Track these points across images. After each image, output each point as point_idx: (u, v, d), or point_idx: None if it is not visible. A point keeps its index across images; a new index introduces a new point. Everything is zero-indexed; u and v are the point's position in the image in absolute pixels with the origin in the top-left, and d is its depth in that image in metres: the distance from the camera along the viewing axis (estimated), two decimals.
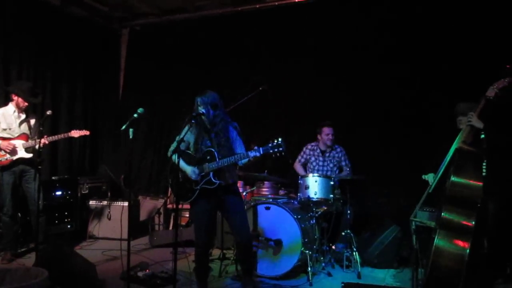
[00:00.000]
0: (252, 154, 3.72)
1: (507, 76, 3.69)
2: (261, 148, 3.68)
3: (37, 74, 6.55)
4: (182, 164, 3.89)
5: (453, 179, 3.55)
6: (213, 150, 3.86)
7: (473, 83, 4.54)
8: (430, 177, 4.30)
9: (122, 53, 8.03)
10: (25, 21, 6.30)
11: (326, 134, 5.45)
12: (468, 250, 3.38)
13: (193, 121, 3.79)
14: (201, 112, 3.88)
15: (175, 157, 3.74)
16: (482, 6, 5.28)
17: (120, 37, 8.03)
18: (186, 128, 3.86)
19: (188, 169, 3.90)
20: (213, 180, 3.84)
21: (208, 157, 3.88)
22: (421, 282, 4.04)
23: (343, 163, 5.55)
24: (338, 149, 5.56)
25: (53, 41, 6.76)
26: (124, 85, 8.00)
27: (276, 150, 3.64)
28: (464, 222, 3.48)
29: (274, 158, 3.70)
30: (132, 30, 7.93)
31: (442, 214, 3.58)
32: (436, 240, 3.47)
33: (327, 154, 5.54)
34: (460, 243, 3.46)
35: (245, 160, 3.85)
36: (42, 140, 4.90)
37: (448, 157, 4.02)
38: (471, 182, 3.52)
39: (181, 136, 3.79)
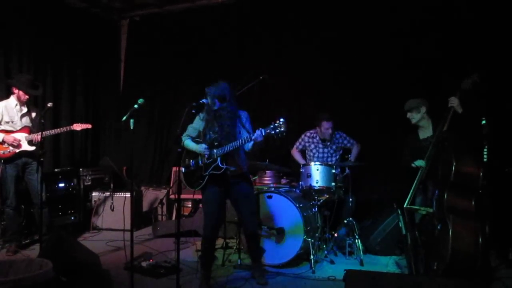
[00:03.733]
0: (254, 136, 3.71)
1: (476, 72, 4.23)
2: (263, 130, 3.67)
3: (37, 66, 6.53)
4: (192, 145, 4.04)
5: (455, 167, 3.73)
6: (219, 137, 3.93)
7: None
8: (421, 163, 4.41)
9: (122, 44, 7.98)
10: (25, 13, 6.27)
11: (326, 128, 5.45)
12: (480, 232, 3.57)
13: (193, 110, 3.81)
14: (201, 102, 3.91)
15: (185, 140, 3.93)
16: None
17: (119, 28, 7.97)
18: (197, 118, 4.04)
19: (197, 147, 4.00)
20: (220, 165, 3.89)
21: (215, 143, 3.95)
22: (423, 270, 4.07)
23: (348, 144, 5.54)
24: (338, 135, 5.55)
25: (53, 33, 6.73)
26: (125, 76, 7.96)
27: (278, 130, 3.60)
28: (469, 206, 3.68)
29: (277, 139, 3.67)
30: (131, 21, 7.87)
31: (447, 200, 3.73)
32: (451, 226, 3.60)
33: (328, 143, 5.54)
34: (473, 225, 3.62)
35: (250, 144, 3.88)
36: (37, 137, 4.95)
37: (432, 144, 4.27)
38: (473, 169, 3.74)
39: (180, 125, 3.83)
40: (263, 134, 3.66)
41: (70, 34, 6.99)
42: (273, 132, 3.62)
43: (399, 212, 4.31)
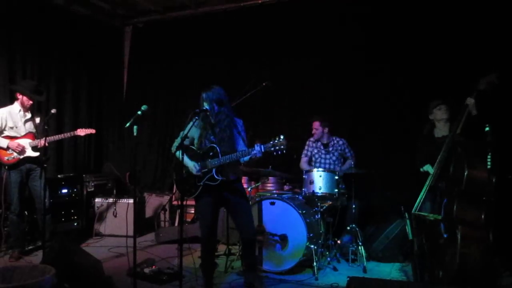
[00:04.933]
0: (253, 152, 3.67)
1: (494, 72, 4.09)
2: (262, 146, 3.64)
3: (41, 73, 6.57)
4: (185, 159, 3.92)
5: (467, 175, 3.61)
6: (215, 146, 3.86)
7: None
8: (429, 168, 4.35)
9: (125, 50, 8.03)
10: (29, 21, 6.32)
11: (315, 128, 5.47)
12: (488, 242, 3.50)
13: (196, 117, 3.79)
14: (204, 108, 3.88)
15: (178, 153, 3.74)
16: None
17: (123, 35, 8.03)
18: (190, 124, 3.83)
19: (190, 164, 3.92)
20: (216, 176, 3.84)
21: (210, 153, 3.89)
22: (427, 277, 4.04)
23: (348, 154, 5.53)
24: (340, 142, 5.54)
25: (57, 40, 6.78)
26: (128, 83, 8.01)
27: (277, 148, 3.59)
28: (478, 217, 3.58)
29: (276, 155, 3.63)
30: (135, 28, 7.93)
31: (456, 209, 3.64)
32: (459, 237, 3.53)
33: (330, 148, 5.53)
34: (481, 237, 3.53)
35: (247, 158, 3.83)
36: (41, 142, 4.96)
37: (444, 148, 4.15)
38: (485, 178, 3.62)
39: (185, 132, 3.79)
40: (263, 150, 3.64)
41: (74, 41, 7.04)
42: (272, 149, 3.60)
43: (407, 216, 4.25)
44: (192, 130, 3.92)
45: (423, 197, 4.18)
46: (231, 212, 4.17)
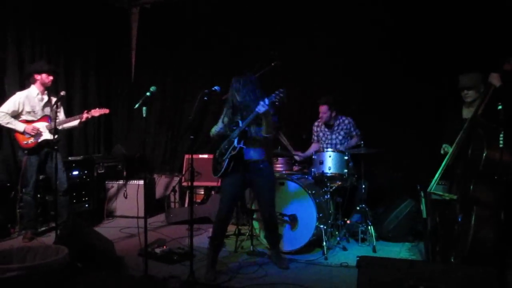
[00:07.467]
0: (258, 108, 3.78)
1: None
2: (266, 99, 3.78)
3: (50, 55, 6.55)
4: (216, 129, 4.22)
5: (486, 155, 3.54)
6: (239, 121, 4.02)
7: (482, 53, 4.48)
8: (447, 148, 4.21)
9: (133, 32, 7.99)
10: (37, 3, 6.29)
11: (322, 112, 5.39)
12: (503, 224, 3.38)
13: (205, 98, 3.80)
14: (214, 89, 3.91)
15: (213, 130, 4.13)
16: None
17: (130, 16, 7.98)
18: (224, 110, 4.16)
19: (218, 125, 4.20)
20: (236, 144, 3.97)
21: (234, 127, 4.05)
22: (439, 257, 4.02)
23: (354, 133, 5.45)
24: (346, 121, 5.45)
25: (65, 22, 6.75)
26: (136, 64, 7.99)
27: (278, 97, 3.77)
28: (494, 198, 3.50)
29: (279, 105, 3.83)
30: (142, 9, 7.86)
31: (473, 190, 3.58)
32: (473, 219, 3.47)
33: (335, 128, 5.46)
34: (496, 216, 3.43)
35: (262, 128, 3.95)
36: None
37: (465, 128, 3.98)
38: (505, 159, 3.46)
39: (192, 112, 3.88)
40: (267, 103, 3.77)
41: (81, 23, 7.01)
42: (274, 99, 3.77)
43: (422, 194, 4.19)
44: (227, 114, 4.16)
45: (440, 176, 4.09)
46: (255, 189, 4.28)
